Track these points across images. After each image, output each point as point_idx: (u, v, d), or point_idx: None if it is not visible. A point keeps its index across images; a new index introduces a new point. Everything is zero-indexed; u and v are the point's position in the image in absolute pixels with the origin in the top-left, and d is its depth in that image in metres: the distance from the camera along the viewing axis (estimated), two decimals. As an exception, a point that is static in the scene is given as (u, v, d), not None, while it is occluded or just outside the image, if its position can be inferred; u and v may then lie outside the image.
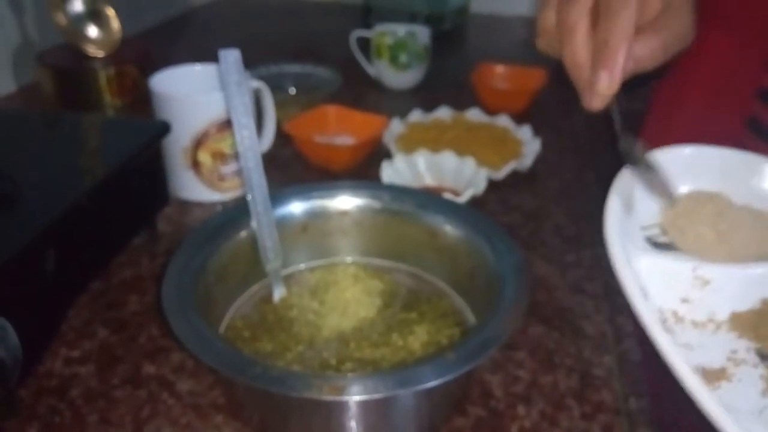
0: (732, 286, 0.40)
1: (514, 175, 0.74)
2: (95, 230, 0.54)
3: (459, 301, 0.52)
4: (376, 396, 0.36)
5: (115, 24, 0.92)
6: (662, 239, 0.45)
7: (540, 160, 0.77)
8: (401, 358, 0.46)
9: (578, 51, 0.44)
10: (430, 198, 0.55)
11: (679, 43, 0.45)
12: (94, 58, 0.91)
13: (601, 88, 0.42)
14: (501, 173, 0.72)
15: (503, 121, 0.83)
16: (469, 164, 0.70)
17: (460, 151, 0.72)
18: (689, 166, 0.47)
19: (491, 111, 0.85)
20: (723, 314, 0.40)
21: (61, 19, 0.89)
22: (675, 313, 0.40)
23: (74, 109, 0.89)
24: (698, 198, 0.47)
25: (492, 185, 0.70)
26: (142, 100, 0.88)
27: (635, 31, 0.42)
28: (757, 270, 0.40)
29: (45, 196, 0.51)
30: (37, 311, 0.48)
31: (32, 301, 0.47)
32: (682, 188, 0.48)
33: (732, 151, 0.49)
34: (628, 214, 0.44)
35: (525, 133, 0.80)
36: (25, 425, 0.45)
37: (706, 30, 0.60)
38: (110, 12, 0.92)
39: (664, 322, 0.39)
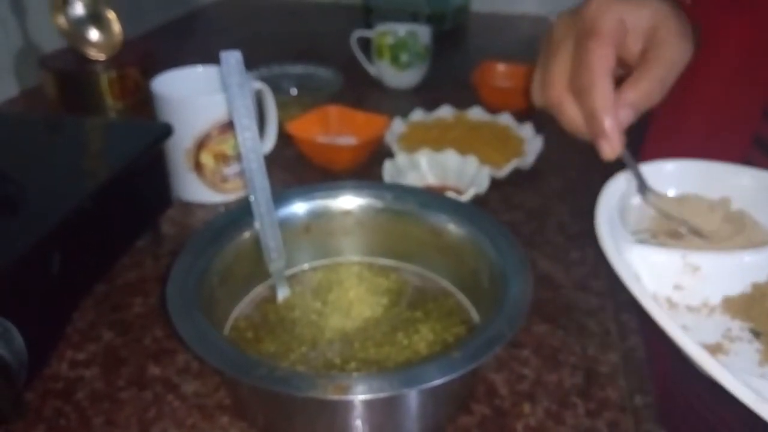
0: (722, 272, 0.41)
1: (517, 174, 0.74)
2: (99, 233, 0.54)
3: (463, 299, 0.52)
4: (382, 395, 0.36)
5: (116, 27, 0.93)
6: (653, 242, 0.46)
7: (542, 158, 0.76)
8: (406, 358, 0.46)
9: (572, 121, 0.46)
10: (432, 197, 0.55)
11: (675, 71, 0.45)
12: (96, 61, 0.91)
13: (607, 154, 0.44)
14: (503, 172, 0.72)
15: (505, 119, 0.82)
16: (472, 163, 0.70)
17: (463, 150, 0.72)
18: (673, 178, 0.49)
19: (493, 110, 0.85)
20: (715, 299, 0.41)
21: (62, 22, 0.89)
22: (669, 300, 0.41)
23: (77, 112, 0.89)
24: (682, 201, 0.48)
25: (494, 184, 0.70)
26: (144, 103, 0.89)
27: (623, 78, 0.43)
28: (745, 257, 0.42)
29: (49, 199, 0.51)
30: (42, 314, 0.48)
31: (37, 304, 0.47)
32: (670, 195, 0.49)
33: (712, 162, 0.50)
34: (618, 218, 0.45)
35: (527, 131, 0.80)
36: (31, 427, 0.45)
37: (712, 47, 0.60)
38: (111, 15, 0.92)
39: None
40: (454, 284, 0.53)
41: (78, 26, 0.91)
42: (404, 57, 0.97)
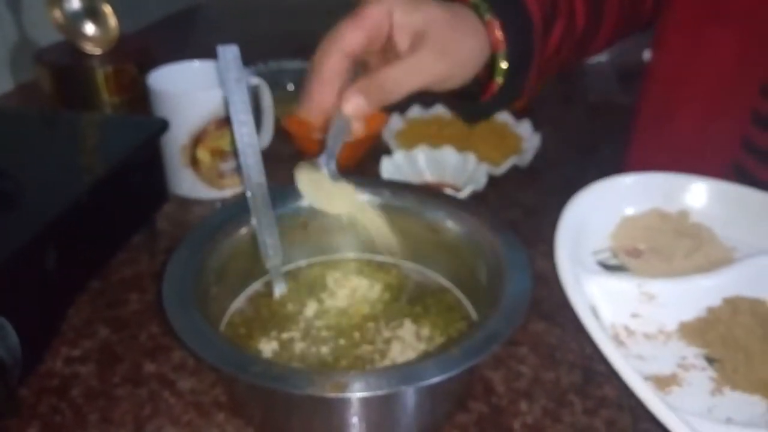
0: (677, 298, 0.42)
1: (514, 171, 0.74)
2: (95, 228, 0.53)
3: (461, 296, 0.52)
4: (379, 392, 0.36)
5: (112, 21, 0.92)
6: (613, 261, 0.47)
7: (540, 155, 0.76)
8: (404, 354, 0.46)
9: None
10: (430, 194, 0.55)
11: (429, 77, 0.47)
12: (92, 56, 0.90)
13: (300, 113, 0.47)
14: (501, 169, 0.72)
15: (503, 116, 0.82)
16: (470, 160, 0.70)
17: (460, 147, 0.72)
18: (633, 191, 0.50)
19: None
20: (672, 325, 0.42)
21: (58, 16, 0.88)
22: (627, 328, 0.42)
23: (72, 107, 0.89)
24: (640, 218, 0.50)
25: (492, 181, 0.70)
26: (140, 98, 0.88)
27: (384, 66, 0.45)
28: (699, 282, 0.43)
29: (44, 195, 0.50)
30: (37, 310, 0.48)
31: (32, 300, 0.47)
32: (627, 211, 0.50)
33: (672, 174, 0.50)
34: (578, 239, 0.46)
35: (525, 128, 0.80)
36: (26, 424, 0.44)
37: (702, 47, 0.60)
38: (107, 9, 0.92)
39: (616, 336, 0.41)
40: (451, 281, 0.53)
41: (74, 20, 0.90)
42: (402, 53, 0.96)
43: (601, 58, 1.05)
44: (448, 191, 0.64)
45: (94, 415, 0.45)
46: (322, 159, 0.46)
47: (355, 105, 0.44)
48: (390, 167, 0.69)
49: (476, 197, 0.67)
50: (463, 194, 0.64)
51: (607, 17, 0.60)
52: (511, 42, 0.51)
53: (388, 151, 0.73)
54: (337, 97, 0.44)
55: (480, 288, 0.49)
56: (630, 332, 0.42)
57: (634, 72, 1.02)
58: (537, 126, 0.80)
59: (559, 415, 0.45)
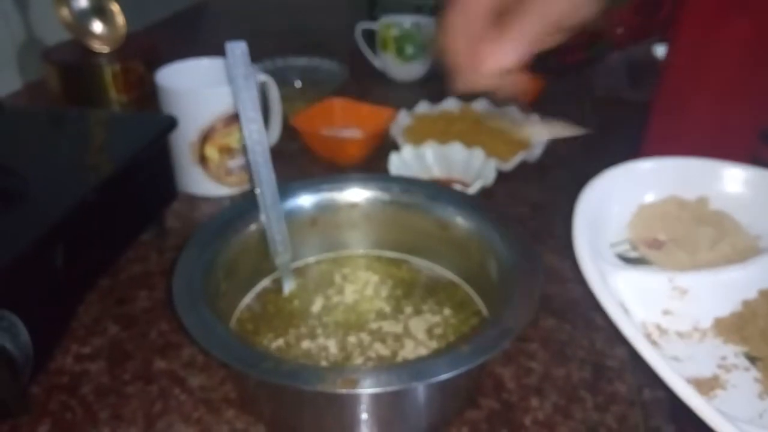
0: (710, 292, 0.40)
1: (523, 167, 0.73)
2: (104, 226, 0.53)
3: (471, 292, 0.52)
4: (390, 389, 0.36)
5: (119, 19, 0.92)
6: (633, 254, 0.45)
7: (549, 151, 0.76)
8: (415, 351, 0.46)
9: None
10: (440, 190, 0.55)
11: (577, 12, 0.42)
12: (100, 54, 0.90)
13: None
14: (510, 165, 0.71)
15: (511, 111, 0.82)
16: (478, 155, 0.70)
17: (468, 143, 0.71)
18: (651, 178, 0.47)
19: (499, 102, 0.84)
20: (706, 321, 0.39)
21: (65, 15, 0.88)
22: (659, 326, 0.39)
23: (80, 105, 0.89)
24: (658, 206, 0.47)
25: (500, 177, 0.70)
26: (148, 96, 0.88)
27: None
28: (732, 274, 0.40)
29: (53, 193, 0.50)
30: (47, 308, 0.48)
31: (42, 298, 0.47)
32: (647, 198, 0.47)
33: (691, 159, 0.48)
34: (596, 231, 0.43)
35: (533, 124, 0.80)
36: (36, 422, 0.45)
37: (718, 36, 0.60)
38: (115, 7, 0.92)
39: (648, 336, 0.39)
40: (461, 277, 0.53)
41: (81, 19, 0.90)
42: (409, 49, 0.96)
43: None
44: (458, 187, 0.63)
45: (105, 413, 0.45)
46: None
47: (513, 53, 0.40)
48: (398, 163, 0.69)
49: (485, 193, 0.67)
50: (473, 190, 0.64)
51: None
52: None
53: (396, 147, 0.73)
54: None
55: (490, 284, 0.48)
56: (662, 331, 0.39)
57: (644, 68, 1.01)
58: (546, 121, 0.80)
59: (569, 411, 0.45)
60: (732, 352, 0.38)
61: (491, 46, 0.40)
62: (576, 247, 0.42)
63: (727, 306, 0.39)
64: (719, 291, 0.39)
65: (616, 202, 0.46)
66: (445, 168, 0.71)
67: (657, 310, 0.39)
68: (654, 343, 0.38)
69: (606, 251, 0.43)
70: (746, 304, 0.39)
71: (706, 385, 0.36)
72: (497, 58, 0.40)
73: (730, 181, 0.46)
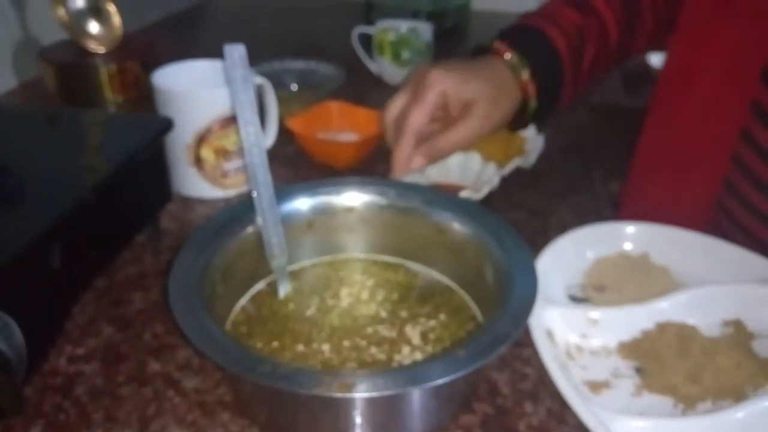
0: (615, 322, 0.52)
1: (519, 173, 0.74)
2: (99, 227, 0.53)
3: (466, 298, 0.52)
4: (386, 393, 0.36)
5: (116, 20, 0.92)
6: (580, 294, 0.56)
7: (544, 157, 0.76)
8: (411, 355, 0.46)
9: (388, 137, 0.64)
10: (437, 194, 0.55)
11: (480, 130, 0.62)
12: (96, 54, 0.90)
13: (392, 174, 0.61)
14: (505, 170, 0.71)
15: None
16: (475, 159, 0.70)
17: (465, 148, 0.71)
18: (603, 238, 0.60)
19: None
20: (612, 344, 0.51)
21: (62, 14, 0.88)
22: (578, 345, 0.51)
23: (76, 105, 0.89)
24: (608, 260, 0.59)
25: (496, 182, 0.70)
26: (144, 97, 0.88)
27: (440, 129, 0.62)
28: (635, 310, 0.52)
29: (49, 193, 0.50)
30: (42, 308, 0.48)
31: (37, 299, 0.47)
32: (599, 254, 0.60)
33: (666, 227, 0.60)
34: (554, 275, 0.55)
35: (529, 130, 0.80)
36: (30, 423, 0.44)
37: (707, 40, 0.62)
38: (111, 8, 0.92)
39: (568, 352, 0.50)
40: (457, 282, 0.53)
41: (78, 19, 0.90)
42: (405, 54, 0.97)
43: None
44: (466, 193, 0.64)
45: (99, 414, 0.45)
46: None
47: (419, 164, 0.60)
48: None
49: (481, 199, 0.67)
50: (480, 195, 0.64)
51: (640, 28, 0.70)
52: (541, 90, 0.65)
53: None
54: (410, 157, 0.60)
55: (486, 289, 0.48)
56: (579, 349, 0.51)
57: (639, 75, 1.02)
58: (541, 128, 0.80)
59: (563, 417, 0.45)
60: (625, 366, 0.50)
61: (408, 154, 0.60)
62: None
63: (629, 333, 0.52)
64: (623, 322, 0.52)
65: (575, 255, 0.58)
66: (442, 172, 0.71)
67: (577, 333, 0.51)
68: (571, 356, 0.50)
69: (560, 290, 0.56)
70: (645, 332, 0.51)
71: (596, 386, 0.48)
72: (410, 164, 0.60)
73: (667, 241, 0.59)
